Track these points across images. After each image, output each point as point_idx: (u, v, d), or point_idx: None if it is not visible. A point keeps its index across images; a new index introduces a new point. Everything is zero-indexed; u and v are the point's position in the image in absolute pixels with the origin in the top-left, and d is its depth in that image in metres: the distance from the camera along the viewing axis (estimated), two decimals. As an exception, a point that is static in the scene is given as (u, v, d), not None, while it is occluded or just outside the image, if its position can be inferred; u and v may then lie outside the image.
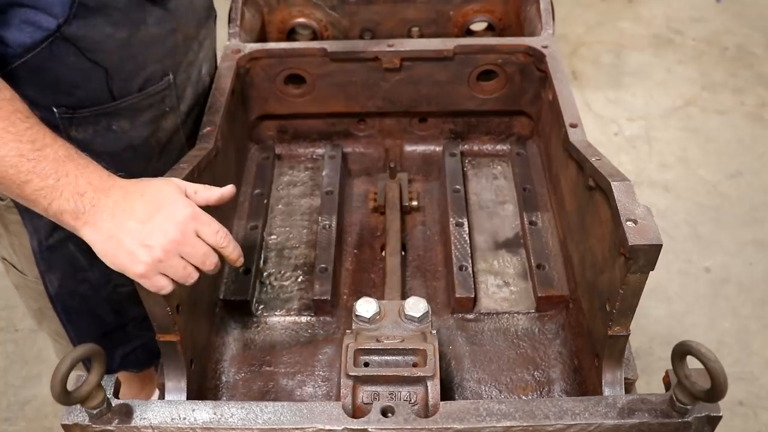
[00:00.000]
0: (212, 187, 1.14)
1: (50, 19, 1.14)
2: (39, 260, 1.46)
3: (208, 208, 1.10)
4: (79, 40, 1.19)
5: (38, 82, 1.20)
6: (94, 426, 0.99)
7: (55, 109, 1.25)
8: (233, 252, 1.11)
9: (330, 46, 1.67)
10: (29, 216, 1.38)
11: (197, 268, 1.07)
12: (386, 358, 1.06)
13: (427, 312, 1.14)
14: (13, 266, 1.59)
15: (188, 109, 1.52)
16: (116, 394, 1.03)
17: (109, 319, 1.61)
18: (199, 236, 1.06)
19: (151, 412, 1.00)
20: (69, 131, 1.27)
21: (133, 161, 1.38)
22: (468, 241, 1.52)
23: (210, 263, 1.08)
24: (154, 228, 1.02)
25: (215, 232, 1.07)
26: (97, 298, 1.55)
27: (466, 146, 1.81)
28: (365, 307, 1.14)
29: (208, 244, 1.07)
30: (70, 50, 1.19)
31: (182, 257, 1.04)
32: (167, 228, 1.02)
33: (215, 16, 1.62)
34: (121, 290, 1.55)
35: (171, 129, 1.47)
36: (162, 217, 1.03)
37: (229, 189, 1.16)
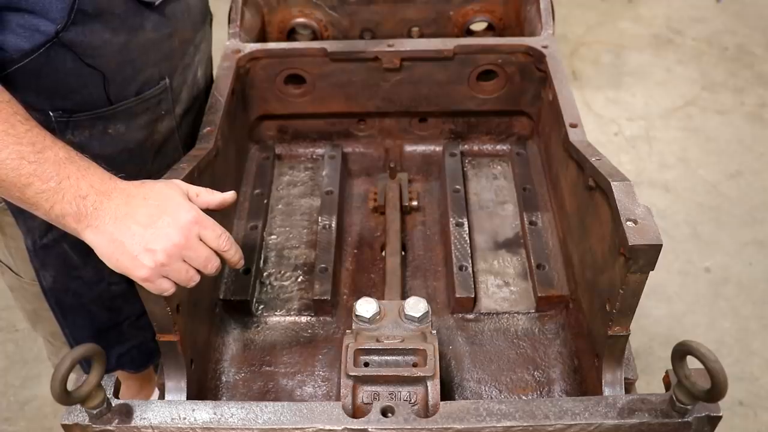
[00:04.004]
0: (214, 191, 1.14)
1: (48, 24, 1.14)
2: (33, 258, 1.46)
3: (207, 211, 1.10)
4: (77, 46, 1.19)
5: (35, 86, 1.20)
6: (94, 426, 0.99)
7: (51, 113, 1.25)
8: (234, 255, 1.12)
9: (330, 46, 1.67)
10: (23, 217, 1.38)
11: (198, 271, 1.07)
12: (386, 358, 1.06)
13: (427, 312, 1.14)
14: (9, 268, 1.59)
15: (184, 111, 1.52)
16: (116, 394, 1.03)
17: (103, 317, 1.61)
18: (201, 240, 1.06)
19: (151, 412, 1.00)
20: (65, 134, 1.27)
21: (128, 163, 1.38)
22: (468, 241, 1.52)
23: (212, 266, 1.08)
24: (157, 232, 1.02)
25: (218, 236, 1.08)
26: (91, 295, 1.55)
27: (466, 146, 1.81)
28: (365, 307, 1.14)
29: (211, 248, 1.07)
30: (68, 55, 1.19)
31: (185, 261, 1.05)
32: (170, 232, 1.02)
33: (211, 19, 1.62)
34: (115, 288, 1.55)
35: (166, 131, 1.47)
36: (165, 221, 1.03)
37: (230, 194, 1.16)
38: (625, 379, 1.18)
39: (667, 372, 1.05)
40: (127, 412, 1.00)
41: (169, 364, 1.17)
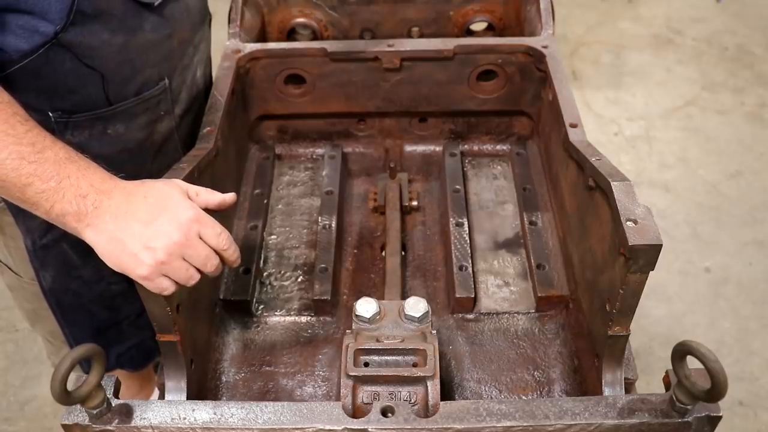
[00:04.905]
0: (214, 191, 1.14)
1: (48, 25, 1.14)
2: (33, 258, 1.46)
3: (207, 211, 1.10)
4: (76, 46, 1.19)
5: (35, 86, 1.20)
6: (94, 426, 0.99)
7: (50, 114, 1.25)
8: (233, 254, 1.12)
9: (330, 46, 1.67)
10: (23, 217, 1.38)
11: (198, 270, 1.07)
12: (386, 358, 1.06)
13: (427, 312, 1.14)
14: (8, 267, 1.60)
15: (183, 111, 1.52)
16: (116, 394, 1.03)
17: (103, 316, 1.61)
18: (201, 238, 1.06)
19: (151, 412, 1.00)
20: (64, 135, 1.27)
21: (127, 164, 1.38)
22: (468, 241, 1.52)
23: (211, 265, 1.08)
24: (157, 230, 1.02)
25: (217, 235, 1.07)
26: (91, 295, 1.55)
27: (466, 146, 1.81)
28: (365, 307, 1.14)
29: (210, 246, 1.07)
30: (66, 56, 1.19)
31: (184, 259, 1.05)
32: (170, 230, 1.02)
33: (210, 19, 1.62)
34: (114, 287, 1.56)
35: (166, 132, 1.47)
36: (165, 219, 1.03)
37: (230, 196, 1.16)
38: (625, 379, 1.18)
39: (667, 372, 1.05)
40: (127, 412, 1.00)
41: (169, 364, 1.17)
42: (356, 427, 0.98)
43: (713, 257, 2.93)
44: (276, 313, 1.44)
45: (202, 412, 1.00)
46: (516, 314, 1.43)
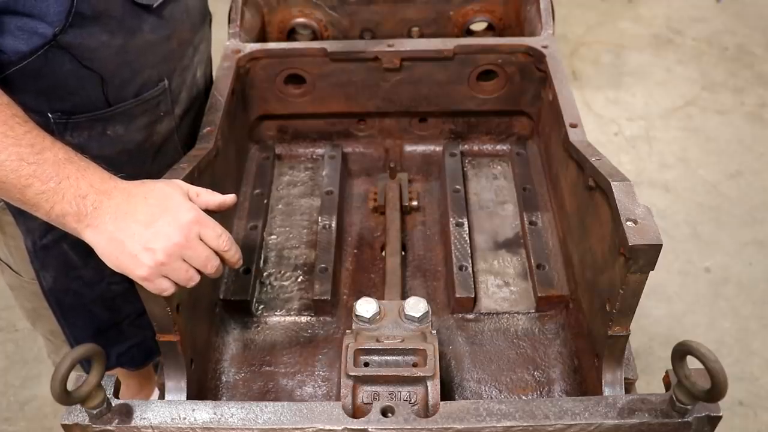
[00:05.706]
0: (214, 192, 1.14)
1: (46, 26, 1.14)
2: (33, 258, 1.46)
3: (207, 212, 1.10)
4: (75, 48, 1.19)
5: (34, 88, 1.20)
6: (94, 426, 0.99)
7: (50, 115, 1.25)
8: (234, 255, 1.11)
9: (330, 46, 1.67)
10: (23, 217, 1.38)
11: (199, 271, 1.07)
12: (386, 358, 1.06)
13: (427, 312, 1.14)
14: (9, 267, 1.60)
15: (183, 112, 1.52)
16: (116, 394, 1.03)
17: (103, 316, 1.62)
18: (201, 239, 1.06)
19: (151, 412, 1.00)
20: (64, 136, 1.27)
21: (127, 164, 1.37)
22: (468, 241, 1.52)
23: (212, 266, 1.08)
24: (157, 231, 1.02)
25: (218, 236, 1.07)
26: (91, 295, 1.55)
27: (466, 146, 1.81)
28: (365, 307, 1.14)
29: (210, 248, 1.07)
30: (65, 57, 1.19)
31: (184, 260, 1.04)
32: (171, 232, 1.02)
33: (210, 19, 1.62)
34: (115, 287, 1.56)
35: (165, 132, 1.47)
36: (166, 220, 1.03)
37: (230, 197, 1.16)
38: (625, 379, 1.18)
39: (667, 372, 1.05)
40: (127, 412, 1.00)
41: (169, 364, 1.17)
42: (356, 427, 0.98)
43: (713, 257, 2.93)
44: (276, 313, 1.44)
45: (202, 412, 1.00)
46: (516, 314, 1.43)
